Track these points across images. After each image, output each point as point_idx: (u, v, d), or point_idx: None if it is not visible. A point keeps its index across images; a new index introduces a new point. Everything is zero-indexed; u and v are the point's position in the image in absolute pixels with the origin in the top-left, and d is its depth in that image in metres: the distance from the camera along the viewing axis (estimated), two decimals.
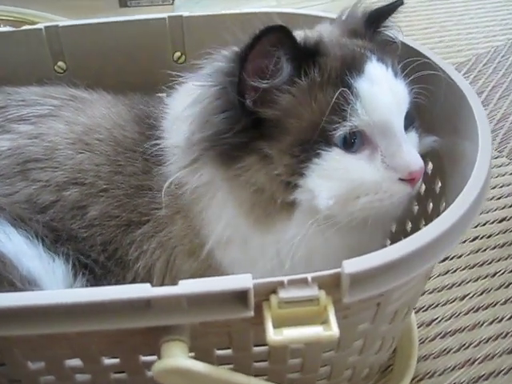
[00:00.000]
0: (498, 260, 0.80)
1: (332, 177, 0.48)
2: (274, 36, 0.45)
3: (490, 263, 0.79)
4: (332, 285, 0.38)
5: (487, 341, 0.69)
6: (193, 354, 0.44)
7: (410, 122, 0.53)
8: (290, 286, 0.37)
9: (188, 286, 0.37)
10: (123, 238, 0.54)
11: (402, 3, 0.56)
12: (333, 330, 0.36)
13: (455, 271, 0.78)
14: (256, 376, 0.49)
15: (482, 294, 0.75)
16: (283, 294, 0.37)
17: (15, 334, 0.37)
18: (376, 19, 0.56)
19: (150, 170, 0.54)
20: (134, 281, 0.54)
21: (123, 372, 0.47)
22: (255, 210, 0.50)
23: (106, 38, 0.70)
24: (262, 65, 0.47)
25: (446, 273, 0.78)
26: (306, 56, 0.48)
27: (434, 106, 0.59)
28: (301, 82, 0.48)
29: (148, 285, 0.37)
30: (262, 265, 0.51)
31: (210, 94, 0.49)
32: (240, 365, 0.47)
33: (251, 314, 0.37)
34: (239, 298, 0.37)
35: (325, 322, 0.37)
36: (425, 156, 0.62)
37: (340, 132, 0.47)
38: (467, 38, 1.32)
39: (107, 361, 0.45)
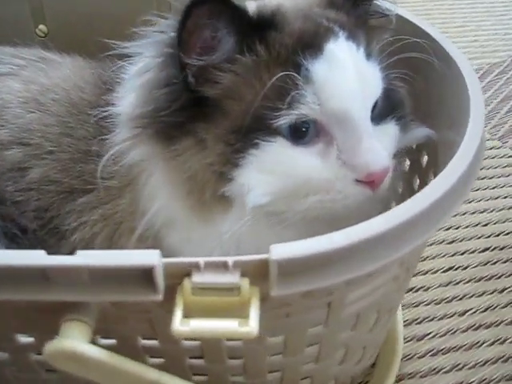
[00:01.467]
0: (509, 275, 0.71)
1: (272, 171, 0.42)
2: (207, 7, 0.39)
3: (499, 278, 0.71)
4: (258, 273, 0.32)
5: (484, 363, 0.62)
6: (114, 340, 0.39)
7: (387, 111, 0.46)
8: (207, 270, 0.32)
9: (87, 257, 0.32)
10: (62, 205, 0.50)
11: None
12: (250, 326, 0.30)
13: (458, 283, 0.70)
14: (194, 375, 0.44)
15: (485, 310, 0.67)
16: (197, 278, 0.31)
17: None
18: None
19: (101, 135, 0.49)
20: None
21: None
22: (190, 198, 0.44)
23: (90, 1, 0.66)
24: (198, 39, 0.41)
25: (448, 284, 0.70)
26: (253, 30, 0.42)
27: (432, 93, 0.52)
28: (244, 60, 0.42)
29: (43, 252, 0.32)
30: (205, 254, 0.46)
31: (153, 66, 0.44)
32: (172, 359, 0.41)
33: (159, 297, 0.32)
34: (146, 277, 0.31)
35: (246, 316, 0.31)
36: (420, 148, 0.55)
37: (283, 121, 0.41)
38: (504, 38, 1.24)
39: (23, 339, 0.41)
